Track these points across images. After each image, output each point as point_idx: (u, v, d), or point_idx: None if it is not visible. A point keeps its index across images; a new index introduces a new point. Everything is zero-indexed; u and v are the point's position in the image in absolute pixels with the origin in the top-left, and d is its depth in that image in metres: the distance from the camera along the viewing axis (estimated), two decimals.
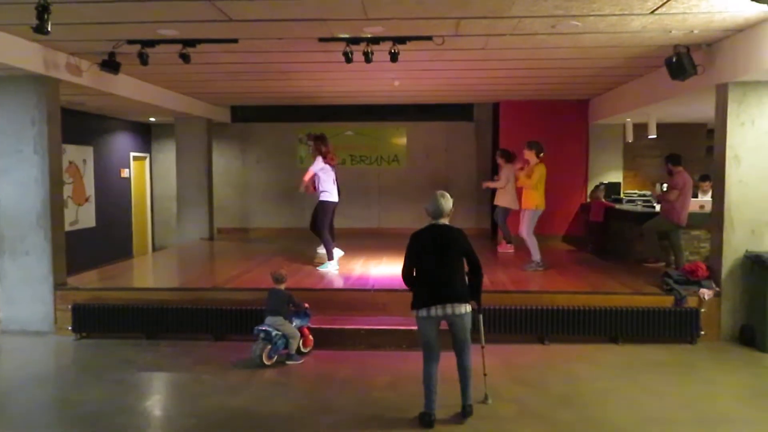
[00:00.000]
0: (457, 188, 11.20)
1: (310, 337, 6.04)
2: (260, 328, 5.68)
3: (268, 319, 5.75)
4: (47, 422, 4.58)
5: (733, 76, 6.10)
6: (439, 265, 4.31)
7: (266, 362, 5.62)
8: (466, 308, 4.32)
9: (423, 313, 4.31)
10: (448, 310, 4.26)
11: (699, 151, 11.18)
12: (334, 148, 8.34)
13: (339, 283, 7.33)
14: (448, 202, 4.43)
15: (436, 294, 4.28)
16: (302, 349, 5.93)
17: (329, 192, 8.06)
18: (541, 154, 8.03)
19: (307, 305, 6.02)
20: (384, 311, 6.61)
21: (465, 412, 4.38)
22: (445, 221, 4.42)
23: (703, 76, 6.30)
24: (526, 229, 8.00)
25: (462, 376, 4.42)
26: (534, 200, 7.94)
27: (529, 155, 8.06)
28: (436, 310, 4.27)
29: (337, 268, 8.05)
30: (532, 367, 5.68)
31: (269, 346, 5.63)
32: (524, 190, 8.09)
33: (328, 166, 8.04)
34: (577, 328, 6.29)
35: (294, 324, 5.85)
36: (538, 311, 6.30)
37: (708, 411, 4.67)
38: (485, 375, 4.59)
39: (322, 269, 7.97)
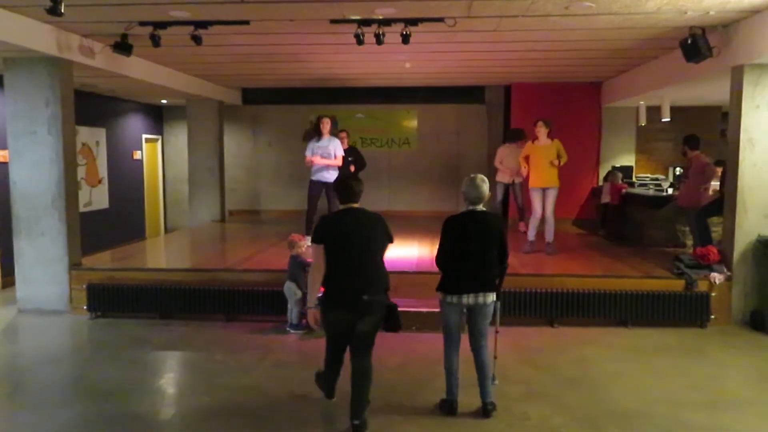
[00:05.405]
0: (469, 171, 11.11)
1: None
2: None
3: (285, 286, 6.14)
4: (64, 399, 4.68)
5: (749, 58, 6.02)
6: (479, 252, 4.17)
7: None
8: (493, 297, 4.24)
9: (454, 299, 4.19)
10: (480, 299, 4.17)
11: (713, 134, 11.06)
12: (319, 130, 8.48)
13: None
14: (487, 186, 4.30)
15: (472, 282, 4.17)
16: None
17: (314, 171, 8.46)
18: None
19: None
20: (394, 293, 6.59)
21: (486, 410, 4.22)
22: (482, 206, 4.28)
23: (718, 58, 6.23)
24: (553, 208, 7.80)
25: (480, 373, 4.28)
26: (558, 178, 7.78)
27: (545, 132, 7.82)
28: (468, 298, 4.17)
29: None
30: (541, 349, 5.71)
31: None
32: (550, 169, 7.75)
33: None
34: (586, 311, 6.31)
35: None
36: (548, 294, 6.32)
37: (716, 394, 4.68)
38: (495, 357, 4.61)
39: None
